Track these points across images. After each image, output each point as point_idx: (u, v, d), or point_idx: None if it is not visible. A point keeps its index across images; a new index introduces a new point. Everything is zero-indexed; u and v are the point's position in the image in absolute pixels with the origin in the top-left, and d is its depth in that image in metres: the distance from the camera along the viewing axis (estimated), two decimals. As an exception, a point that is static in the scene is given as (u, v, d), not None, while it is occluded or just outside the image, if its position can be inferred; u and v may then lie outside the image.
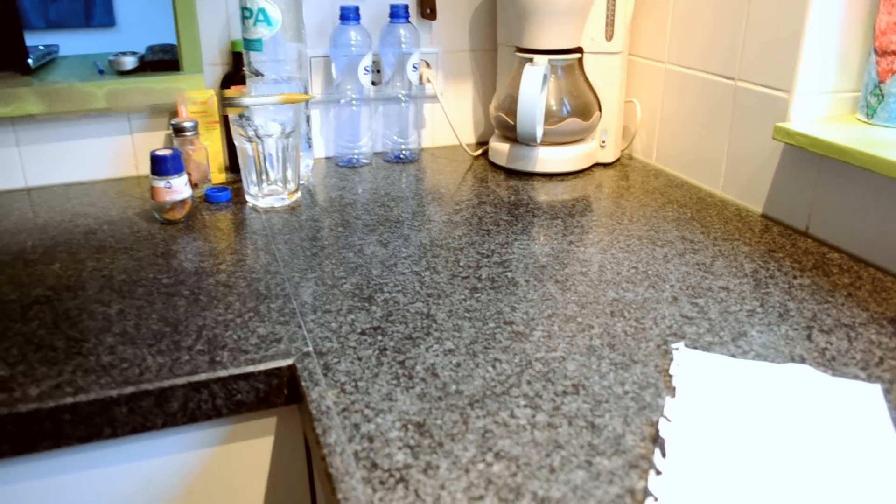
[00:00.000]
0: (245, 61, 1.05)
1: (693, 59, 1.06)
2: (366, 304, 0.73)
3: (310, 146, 1.11)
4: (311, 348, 0.66)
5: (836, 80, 0.90)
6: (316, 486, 0.71)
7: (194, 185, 1.04)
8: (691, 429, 0.53)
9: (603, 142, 1.16)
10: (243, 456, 0.68)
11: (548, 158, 1.12)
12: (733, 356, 0.64)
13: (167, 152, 0.93)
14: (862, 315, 0.71)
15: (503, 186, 1.09)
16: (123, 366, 0.63)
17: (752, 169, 0.98)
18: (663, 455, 0.51)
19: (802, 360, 0.64)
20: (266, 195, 1.00)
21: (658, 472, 0.49)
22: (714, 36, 1.02)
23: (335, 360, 0.64)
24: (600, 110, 1.14)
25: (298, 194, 1.04)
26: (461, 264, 0.83)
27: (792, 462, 0.50)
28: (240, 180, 1.08)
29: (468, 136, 1.31)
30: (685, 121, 1.10)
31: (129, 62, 1.10)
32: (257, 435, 0.68)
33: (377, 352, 0.65)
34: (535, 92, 1.03)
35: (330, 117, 1.21)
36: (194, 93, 1.06)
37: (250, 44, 1.02)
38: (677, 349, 0.64)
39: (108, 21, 1.16)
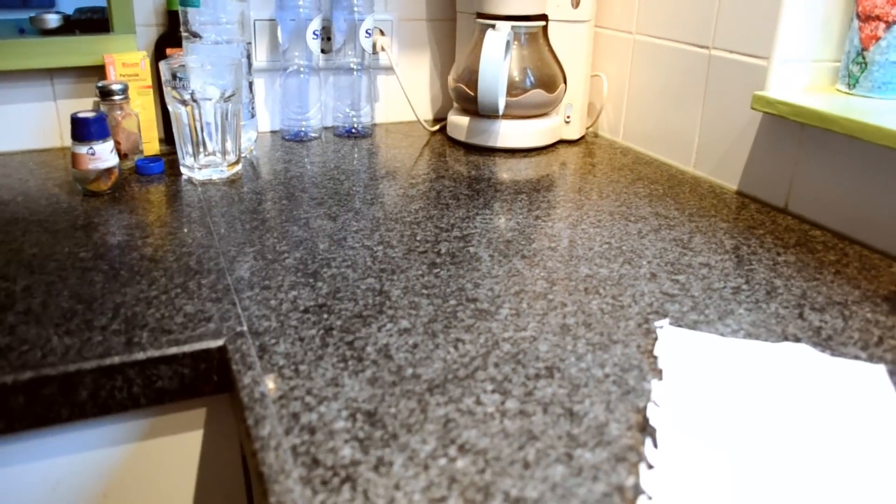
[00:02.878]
0: (181, 20, 0.95)
1: (664, 29, 1.01)
2: (310, 280, 0.65)
3: (252, 115, 1.02)
4: (245, 328, 0.57)
5: (817, 48, 0.85)
6: (252, 489, 0.62)
7: (123, 156, 0.93)
8: (684, 415, 0.46)
9: (568, 117, 1.10)
10: (167, 453, 0.59)
11: (510, 133, 1.05)
12: (722, 335, 0.58)
13: (90, 114, 0.82)
14: (854, 293, 0.66)
15: (462, 162, 1.01)
16: (23, 348, 0.54)
17: (726, 144, 0.92)
18: (655, 446, 0.44)
19: (797, 340, 0.58)
20: (203, 166, 0.91)
21: (650, 466, 0.42)
22: (687, 2, 0.96)
23: (273, 340, 0.55)
24: (565, 83, 1.07)
25: (239, 166, 0.95)
26: (418, 238, 0.75)
27: (798, 449, 0.43)
28: (175, 152, 0.98)
29: (425, 112, 1.23)
30: (655, 95, 1.04)
31: (53, 20, 0.99)
32: (184, 429, 0.59)
33: (322, 331, 0.57)
34: (498, 59, 0.95)
35: (276, 87, 1.12)
36: (125, 55, 0.96)
37: (187, 0, 0.93)
38: (661, 328, 0.58)
39: (46, 1, 1.05)
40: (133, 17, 1.00)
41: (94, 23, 1.02)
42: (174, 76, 0.88)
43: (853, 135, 0.72)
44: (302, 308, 0.60)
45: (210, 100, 0.88)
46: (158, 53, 1.02)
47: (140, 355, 0.53)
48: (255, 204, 0.83)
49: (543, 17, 1.04)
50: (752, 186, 0.90)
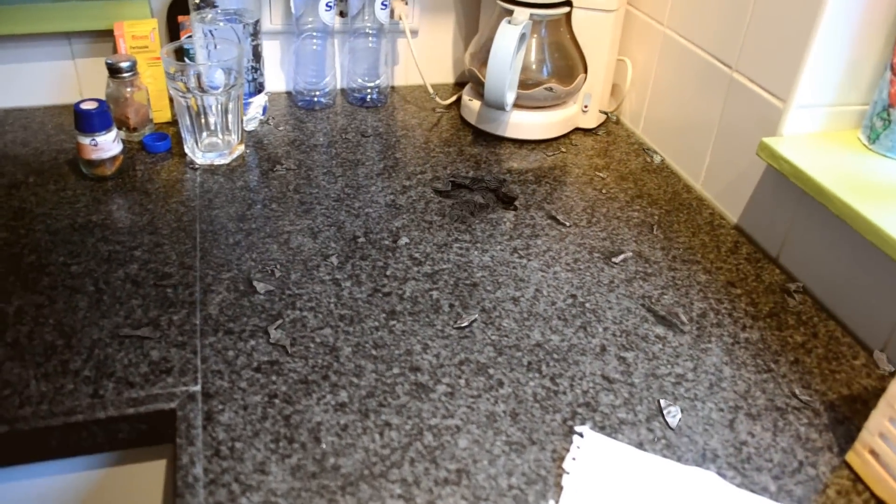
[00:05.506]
0: (191, -13, 0.94)
1: (692, 31, 0.93)
2: (271, 324, 0.69)
3: (260, 90, 1.02)
4: (199, 387, 0.62)
5: (841, 94, 0.78)
6: None
7: (133, 130, 0.96)
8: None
9: (585, 107, 1.05)
10: (134, 478, 0.67)
11: (521, 123, 1.02)
12: (640, 444, 0.60)
13: (92, 106, 0.85)
14: (801, 395, 0.66)
15: (466, 155, 1.00)
16: (5, 392, 0.61)
17: (733, 173, 0.88)
18: None
19: (715, 458, 0.59)
20: (206, 150, 0.93)
21: None
22: (717, 13, 0.88)
23: (220, 406, 0.61)
24: (585, 72, 1.02)
25: (242, 147, 0.96)
26: (388, 273, 0.77)
27: None
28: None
29: (446, 75, 1.20)
30: (676, 98, 0.98)
31: (67, -22, 0.99)
32: (149, 458, 0.67)
33: (266, 399, 0.61)
34: (508, 55, 0.91)
35: (290, 51, 1.10)
36: (135, 24, 0.96)
37: (193, -25, 0.91)
38: (581, 435, 0.60)
39: None
40: (146, -21, 0.99)
41: (112, -23, 1.02)
42: (178, 54, 0.88)
43: (846, 221, 0.69)
44: (255, 365, 0.65)
45: (212, 90, 0.89)
46: (170, 20, 1.01)
47: (101, 414, 0.59)
48: (244, 206, 0.86)
49: (568, 3, 0.98)
50: (750, 226, 0.86)
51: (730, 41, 0.86)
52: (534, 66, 1.00)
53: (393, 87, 1.18)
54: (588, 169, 0.99)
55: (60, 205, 0.84)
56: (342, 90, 1.14)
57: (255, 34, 0.96)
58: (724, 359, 0.69)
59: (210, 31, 0.92)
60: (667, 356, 0.69)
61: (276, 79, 1.12)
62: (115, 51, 0.97)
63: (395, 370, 0.65)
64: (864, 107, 0.80)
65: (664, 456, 0.59)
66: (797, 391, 0.66)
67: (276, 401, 0.61)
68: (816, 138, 0.80)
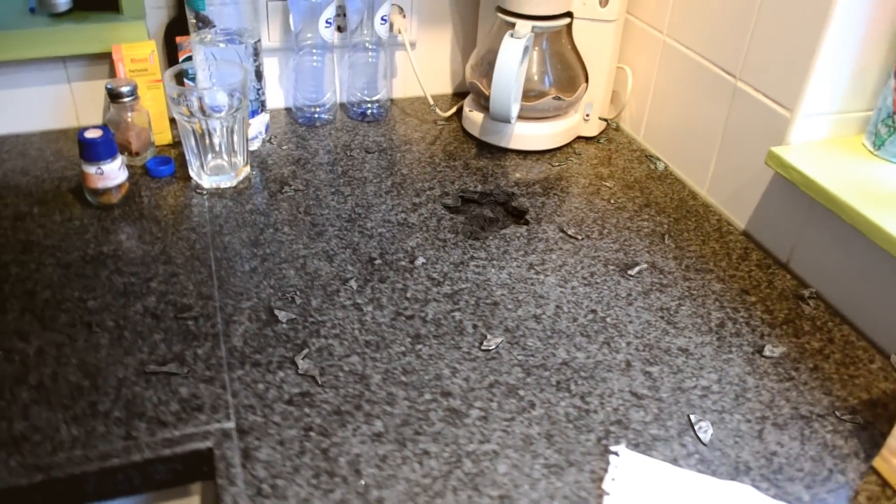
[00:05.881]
0: (187, 6, 0.93)
1: (694, 41, 0.94)
2: (298, 354, 0.69)
3: (262, 110, 1.01)
4: (233, 423, 0.62)
5: (847, 101, 0.80)
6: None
7: (135, 154, 0.95)
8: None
9: (587, 115, 1.06)
10: (167, 513, 0.67)
11: (525, 135, 1.02)
12: (675, 460, 0.61)
13: (96, 134, 0.84)
14: (823, 401, 0.67)
15: (472, 168, 1.00)
16: (36, 438, 0.60)
17: (740, 181, 0.90)
18: None
19: (748, 469, 0.61)
20: (211, 173, 0.92)
21: None
22: (719, 22, 0.89)
23: (256, 442, 0.60)
24: (587, 82, 1.03)
25: (248, 169, 0.96)
26: (408, 295, 0.77)
27: None
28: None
29: (445, 86, 1.20)
30: (678, 106, 0.99)
31: (62, 3, 0.97)
32: (182, 496, 0.66)
33: (302, 432, 0.61)
34: (513, 69, 0.92)
35: (289, 67, 1.09)
36: (133, 46, 0.94)
37: (193, 1, 0.90)
38: (617, 454, 0.61)
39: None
40: (142, 0, 0.97)
41: (103, 1, 1.00)
42: (179, 77, 0.87)
43: (857, 227, 0.70)
44: (286, 398, 0.65)
45: (216, 115, 0.88)
46: (168, 41, 1.00)
47: (137, 457, 0.59)
48: (257, 231, 0.85)
49: (568, 15, 0.98)
50: (758, 232, 0.88)
51: (733, 50, 0.87)
52: (536, 77, 1.00)
53: (392, 100, 1.18)
54: (594, 178, 0.99)
55: (69, 236, 0.83)
56: (342, 105, 1.14)
57: (257, 54, 0.96)
58: (747, 369, 0.70)
59: (212, 54, 0.91)
60: (691, 369, 0.70)
61: (275, 95, 1.11)
62: (112, 74, 0.95)
63: (427, 396, 0.66)
64: (868, 113, 0.82)
65: (699, 471, 0.60)
66: (820, 395, 0.67)
67: (312, 434, 0.61)
68: (823, 146, 0.81)
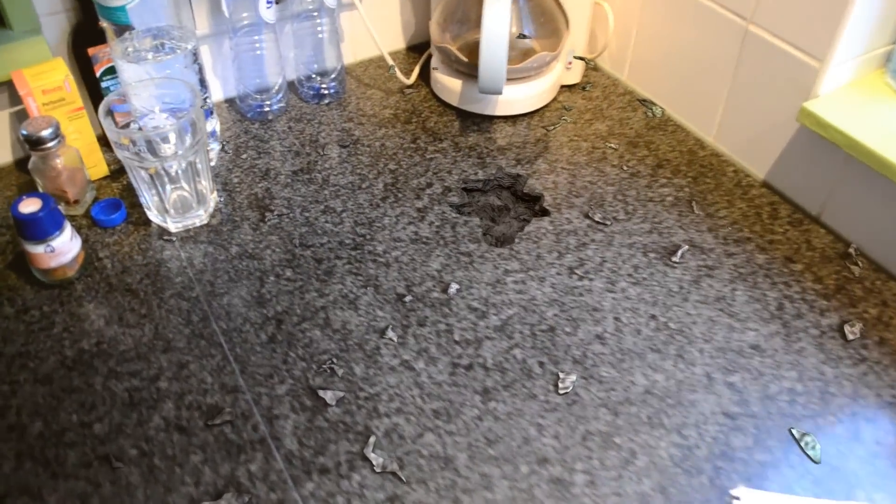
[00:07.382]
0: (107, 19, 0.74)
1: (690, -28, 0.85)
2: (365, 444, 0.61)
3: (210, 115, 0.85)
4: (327, 556, 0.55)
5: (872, 40, 0.74)
6: None
7: (75, 202, 0.79)
8: None
9: (569, 63, 0.96)
10: None
11: (512, 99, 0.92)
12: (790, 488, 0.59)
13: (35, 207, 0.67)
14: (901, 382, 0.67)
15: (462, 148, 0.89)
16: None
17: (756, 130, 0.84)
18: None
19: (859, 481, 0.60)
20: (176, 213, 0.78)
21: None
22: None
23: (362, 574, 0.54)
24: (568, 28, 0.92)
25: (215, 195, 0.82)
26: (456, 338, 0.69)
27: None
28: (127, 174, 0.82)
29: (398, 41, 1.05)
30: (670, 42, 0.90)
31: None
32: None
33: (407, 549, 0.55)
34: (503, 36, 0.80)
35: (224, 50, 0.92)
36: (39, 72, 0.75)
37: (114, 15, 0.71)
38: (738, 499, 0.58)
39: None
40: (33, 8, 0.77)
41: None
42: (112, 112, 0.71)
43: (916, 193, 0.67)
44: (374, 507, 0.57)
45: (172, 155, 0.73)
46: (78, 53, 0.81)
47: None
48: (257, 285, 0.73)
49: (546, -43, 0.86)
50: (782, 183, 0.84)
51: (743, -11, 0.79)
52: (517, 38, 0.89)
53: (345, 68, 1.02)
54: (595, 140, 0.91)
55: (34, 335, 0.69)
56: (290, 84, 0.98)
57: (196, 59, 0.79)
58: (821, 357, 0.68)
59: (145, 72, 0.74)
60: (769, 369, 0.67)
61: (213, 87, 0.94)
62: (15, 103, 0.77)
63: (524, 469, 0.60)
64: (888, 48, 0.77)
65: (816, 496, 0.59)
66: (898, 378, 0.67)
67: (419, 548, 0.55)
68: (850, 93, 0.76)
